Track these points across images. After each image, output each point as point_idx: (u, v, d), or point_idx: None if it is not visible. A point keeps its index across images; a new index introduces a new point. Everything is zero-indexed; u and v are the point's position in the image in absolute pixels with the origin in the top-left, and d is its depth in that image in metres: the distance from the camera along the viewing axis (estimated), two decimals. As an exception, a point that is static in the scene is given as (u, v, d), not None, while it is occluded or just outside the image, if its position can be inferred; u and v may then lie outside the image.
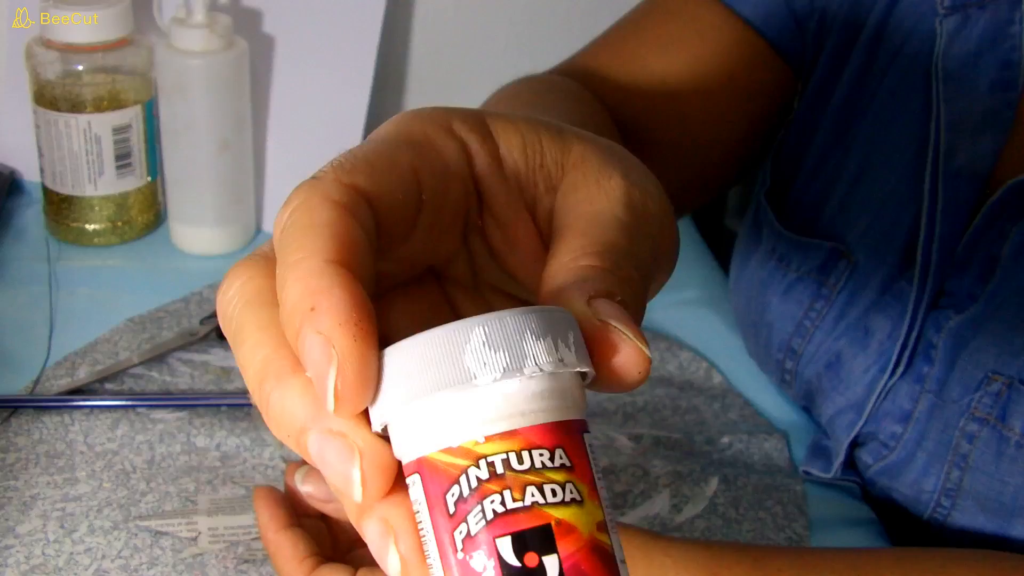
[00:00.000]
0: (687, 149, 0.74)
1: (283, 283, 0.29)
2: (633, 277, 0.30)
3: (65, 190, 0.94)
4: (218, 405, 0.77)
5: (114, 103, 0.92)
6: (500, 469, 0.25)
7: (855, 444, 0.71)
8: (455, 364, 0.25)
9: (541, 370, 0.25)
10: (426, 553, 0.27)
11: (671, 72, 0.71)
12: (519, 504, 0.25)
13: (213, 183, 0.94)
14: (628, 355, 0.28)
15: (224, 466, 0.72)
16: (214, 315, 0.84)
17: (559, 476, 0.25)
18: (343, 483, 0.27)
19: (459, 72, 1.12)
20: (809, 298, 0.72)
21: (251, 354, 0.30)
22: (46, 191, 0.96)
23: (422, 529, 0.26)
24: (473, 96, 1.13)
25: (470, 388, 0.25)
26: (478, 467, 0.25)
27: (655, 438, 0.76)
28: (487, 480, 0.25)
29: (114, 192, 0.95)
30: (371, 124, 1.03)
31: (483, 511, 0.25)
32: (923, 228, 0.65)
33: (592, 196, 0.32)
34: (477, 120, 0.33)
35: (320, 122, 1.02)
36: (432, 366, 0.25)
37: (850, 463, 0.72)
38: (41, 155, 0.94)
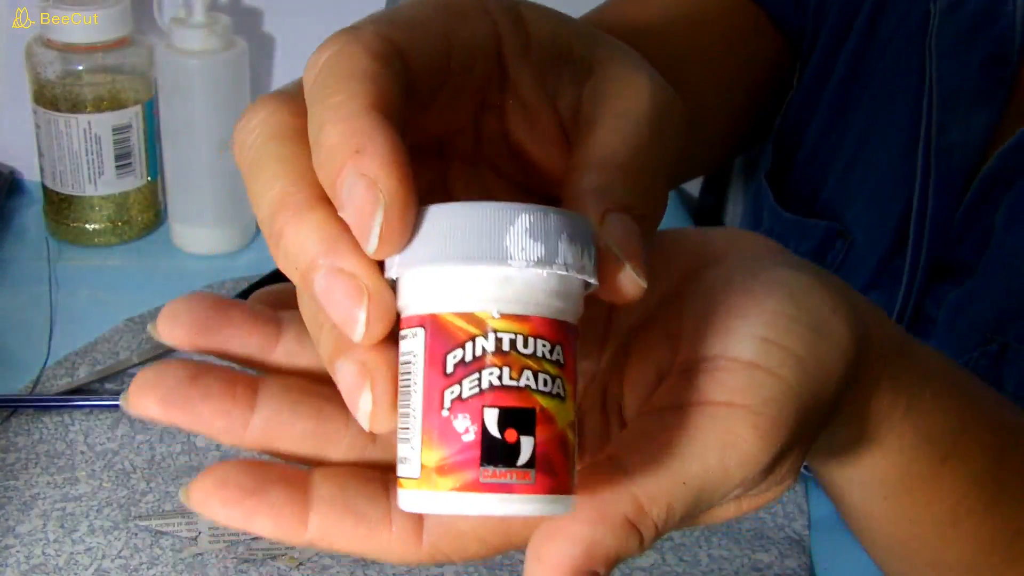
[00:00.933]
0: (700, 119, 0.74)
1: (321, 124, 0.28)
2: (655, 185, 0.31)
3: (65, 190, 0.94)
4: (218, 405, 0.77)
5: (114, 103, 0.92)
6: (506, 347, 0.27)
7: None
8: (494, 241, 0.26)
9: (567, 270, 0.27)
10: (403, 404, 0.28)
11: (671, 38, 0.71)
12: (514, 383, 0.27)
13: (213, 183, 0.94)
14: (625, 278, 0.29)
15: (224, 466, 0.72)
16: (214, 315, 0.84)
17: (553, 369, 0.27)
18: (346, 322, 0.28)
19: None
20: None
21: (268, 184, 0.30)
22: (46, 191, 0.96)
23: (407, 381, 0.28)
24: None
25: (502, 266, 0.26)
26: (486, 338, 0.27)
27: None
28: (492, 352, 0.27)
29: (114, 192, 0.95)
30: (371, 124, 1.03)
31: (480, 379, 0.27)
32: (915, 203, 0.65)
33: (622, 91, 0.32)
34: (511, 4, 0.33)
35: (320, 122, 1.02)
36: (473, 236, 0.26)
37: None
38: (41, 155, 0.94)
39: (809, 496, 0.73)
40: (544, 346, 0.27)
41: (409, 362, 0.28)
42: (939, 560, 0.44)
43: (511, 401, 0.27)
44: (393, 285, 0.29)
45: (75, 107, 0.91)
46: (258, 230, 1.00)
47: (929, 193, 0.65)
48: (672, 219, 1.11)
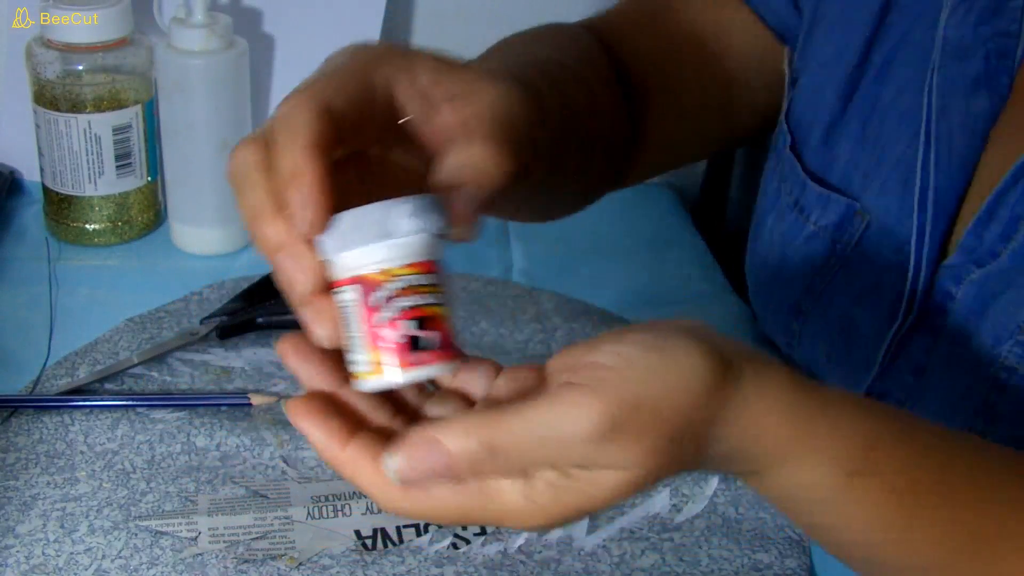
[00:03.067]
0: (684, 107, 0.80)
1: (277, 158, 0.44)
2: (497, 162, 0.46)
3: (65, 190, 0.94)
4: (218, 405, 0.77)
5: (114, 103, 0.92)
6: (405, 284, 0.43)
7: None
8: (389, 223, 0.42)
9: (426, 233, 0.43)
10: (349, 331, 0.43)
11: (693, 71, 0.78)
12: (418, 302, 0.43)
13: (213, 183, 0.94)
14: (462, 231, 0.45)
15: (224, 466, 0.72)
16: (214, 315, 0.84)
17: (435, 290, 0.43)
18: (293, 282, 0.44)
19: (459, 72, 1.12)
20: (822, 255, 0.73)
21: (247, 200, 0.45)
22: (46, 191, 0.96)
23: (348, 317, 0.43)
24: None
25: (397, 237, 0.42)
26: (395, 281, 0.43)
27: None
28: (400, 288, 0.43)
29: (114, 192, 0.95)
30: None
31: (398, 304, 0.43)
32: (918, 181, 0.67)
33: (473, 100, 0.47)
34: (403, 55, 0.48)
35: (320, 122, 1.02)
36: (374, 226, 0.42)
37: None
38: (41, 155, 0.95)
39: (809, 496, 0.73)
40: (428, 277, 0.43)
41: (347, 306, 0.43)
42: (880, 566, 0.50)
43: (419, 313, 0.43)
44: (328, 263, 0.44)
45: (75, 107, 0.91)
46: (258, 230, 1.00)
47: (931, 171, 0.66)
48: (673, 217, 1.11)
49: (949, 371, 0.66)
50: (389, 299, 0.42)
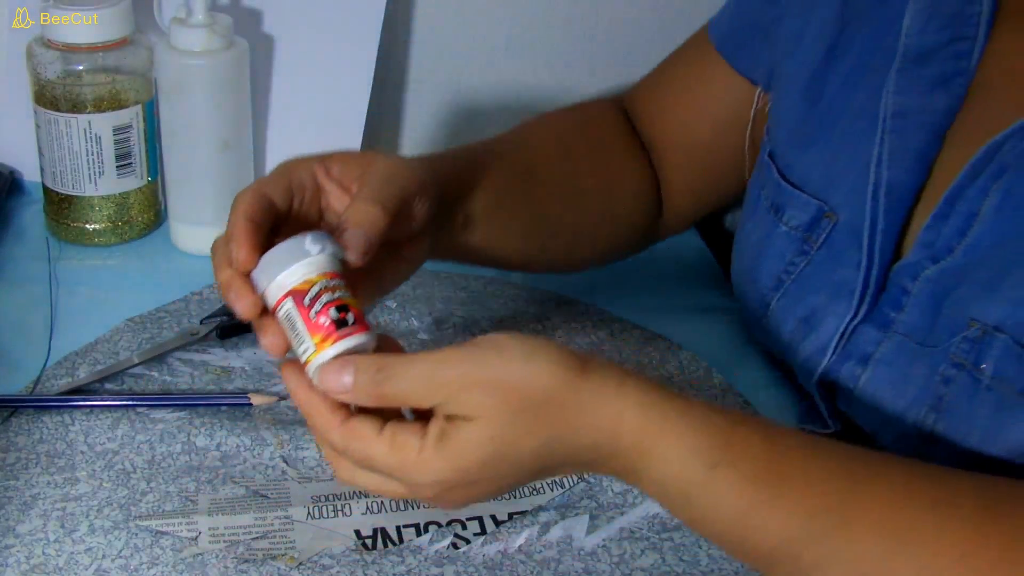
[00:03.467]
0: (696, 173, 0.89)
1: (227, 226, 0.60)
2: (379, 213, 0.61)
3: (65, 190, 0.94)
4: (218, 405, 0.77)
5: (114, 103, 0.92)
6: (323, 286, 0.57)
7: (829, 392, 0.74)
8: (299, 250, 0.57)
9: (329, 253, 0.58)
10: (295, 332, 0.57)
11: (685, 121, 0.88)
12: (333, 296, 0.57)
13: (213, 183, 0.94)
14: (351, 255, 0.60)
15: (224, 466, 0.72)
16: (214, 315, 0.84)
17: (344, 288, 0.57)
18: (236, 307, 0.59)
19: (459, 72, 1.12)
20: (791, 253, 0.76)
21: (214, 260, 0.61)
22: (46, 191, 0.96)
23: (290, 323, 0.57)
24: (473, 95, 1.14)
25: (310, 257, 0.57)
26: (314, 286, 0.57)
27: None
28: (321, 290, 0.57)
29: (114, 192, 0.95)
30: (371, 124, 1.03)
31: (323, 301, 0.56)
32: (871, 175, 0.70)
33: (368, 173, 0.64)
34: (320, 159, 0.65)
35: (320, 122, 1.02)
36: (291, 252, 0.57)
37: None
38: (41, 155, 0.95)
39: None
40: (335, 281, 0.57)
41: (289, 313, 0.57)
42: (746, 550, 0.56)
43: (338, 303, 0.57)
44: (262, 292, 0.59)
45: (75, 107, 0.91)
46: (258, 230, 1.00)
47: (883, 166, 0.69)
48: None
49: (899, 365, 0.68)
50: (313, 299, 0.56)
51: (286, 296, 0.57)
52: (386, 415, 0.57)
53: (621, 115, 0.90)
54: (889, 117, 0.70)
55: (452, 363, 0.55)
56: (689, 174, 0.88)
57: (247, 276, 0.58)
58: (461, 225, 0.74)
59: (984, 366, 0.62)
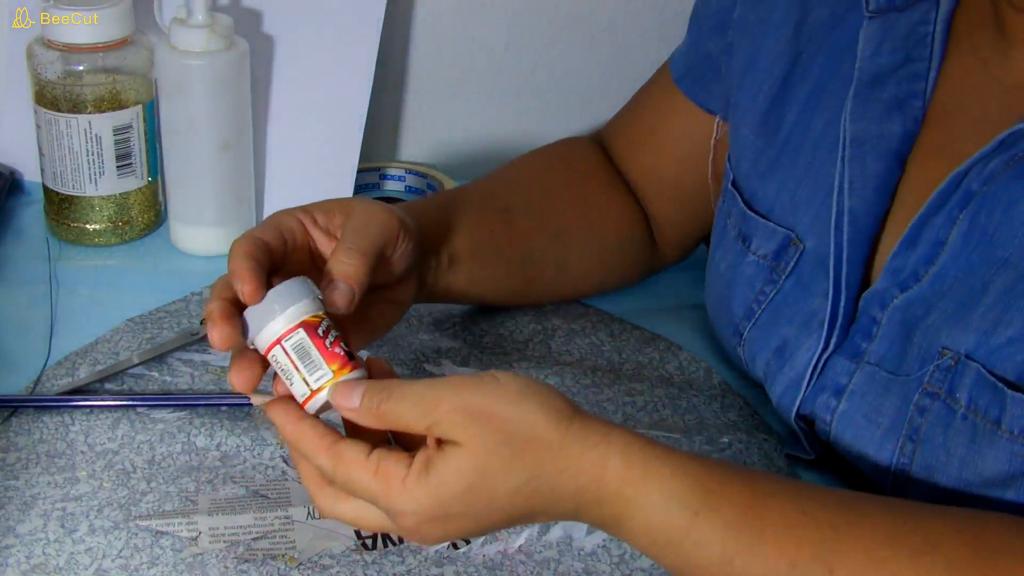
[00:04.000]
0: (672, 207, 0.91)
1: (229, 266, 0.61)
2: (359, 262, 0.63)
3: (65, 190, 0.94)
4: (218, 405, 0.77)
5: (114, 103, 0.92)
6: (328, 323, 0.60)
7: (808, 424, 0.73)
8: (307, 287, 0.60)
9: (321, 302, 0.61)
10: (307, 361, 0.59)
11: (654, 158, 0.90)
12: (336, 332, 0.60)
13: (213, 183, 0.94)
14: (337, 302, 0.62)
15: (224, 466, 0.72)
16: (214, 315, 0.84)
17: (333, 324, 0.60)
18: (215, 334, 0.59)
19: (459, 72, 1.12)
20: (761, 282, 0.76)
21: (214, 287, 0.62)
22: (46, 191, 0.96)
23: (304, 350, 0.59)
24: (473, 95, 1.14)
25: (316, 294, 0.60)
26: (324, 321, 0.59)
27: (655, 438, 0.76)
28: (328, 324, 0.60)
29: (114, 192, 0.95)
30: (371, 124, 1.03)
31: (333, 334, 0.59)
32: (834, 205, 0.70)
33: (353, 223, 0.66)
34: (303, 209, 0.67)
35: (320, 122, 1.02)
36: (299, 288, 0.60)
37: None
38: (42, 155, 0.95)
39: (809, 496, 0.73)
40: (330, 319, 0.60)
41: (300, 343, 0.59)
42: None
43: (341, 339, 0.60)
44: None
45: (76, 107, 0.91)
46: (258, 230, 1.00)
47: (845, 195, 0.69)
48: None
49: (872, 395, 0.68)
50: (325, 331, 0.59)
51: (298, 327, 0.59)
52: (374, 443, 0.57)
53: (600, 151, 0.92)
54: (848, 144, 0.70)
55: (448, 387, 0.56)
56: (666, 208, 0.90)
57: (239, 312, 0.60)
58: (446, 266, 0.77)
59: (958, 396, 0.62)
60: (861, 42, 0.70)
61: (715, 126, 0.86)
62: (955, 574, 0.53)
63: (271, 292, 0.59)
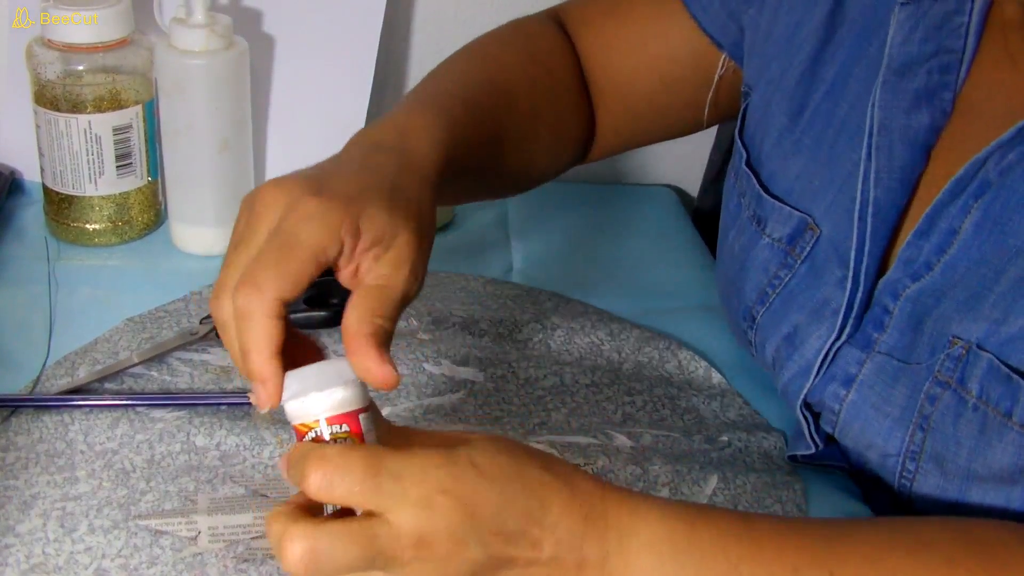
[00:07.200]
0: (627, 120, 0.88)
1: (244, 366, 0.56)
2: (388, 329, 0.56)
3: (65, 190, 0.94)
4: (218, 404, 0.77)
5: (114, 103, 0.92)
6: (352, 421, 0.55)
7: (814, 415, 0.73)
8: (328, 381, 0.55)
9: (354, 386, 0.55)
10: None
11: (633, 68, 0.86)
12: (348, 425, 0.55)
13: (213, 183, 0.94)
14: (378, 381, 0.55)
15: (224, 465, 0.72)
16: (214, 315, 0.84)
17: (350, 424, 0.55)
18: (262, 396, 0.56)
19: (459, 72, 1.12)
20: (775, 266, 0.75)
21: (230, 345, 0.57)
22: (46, 191, 0.96)
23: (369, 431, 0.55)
24: (473, 96, 1.14)
25: (333, 392, 0.55)
26: (370, 408, 0.56)
27: (654, 437, 0.76)
28: (370, 409, 0.56)
29: (114, 192, 0.95)
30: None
31: (374, 418, 0.56)
32: (858, 194, 0.69)
33: (383, 276, 0.58)
34: (352, 226, 0.57)
35: (320, 122, 1.02)
36: (315, 377, 0.55)
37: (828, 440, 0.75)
38: (41, 155, 0.95)
39: (808, 497, 0.73)
40: (360, 414, 0.55)
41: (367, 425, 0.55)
42: None
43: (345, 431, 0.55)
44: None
45: (75, 107, 0.91)
46: (258, 230, 1.00)
47: (870, 184, 0.68)
48: (672, 218, 1.11)
49: (882, 385, 0.68)
50: (376, 414, 0.56)
51: (362, 409, 0.55)
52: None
53: (568, 47, 0.86)
54: (875, 132, 0.69)
55: (430, 454, 0.53)
56: (620, 120, 0.87)
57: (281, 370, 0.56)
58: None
59: (970, 386, 0.62)
60: (892, 28, 0.69)
61: (721, 61, 0.83)
62: (954, 569, 0.54)
63: (306, 372, 0.55)
